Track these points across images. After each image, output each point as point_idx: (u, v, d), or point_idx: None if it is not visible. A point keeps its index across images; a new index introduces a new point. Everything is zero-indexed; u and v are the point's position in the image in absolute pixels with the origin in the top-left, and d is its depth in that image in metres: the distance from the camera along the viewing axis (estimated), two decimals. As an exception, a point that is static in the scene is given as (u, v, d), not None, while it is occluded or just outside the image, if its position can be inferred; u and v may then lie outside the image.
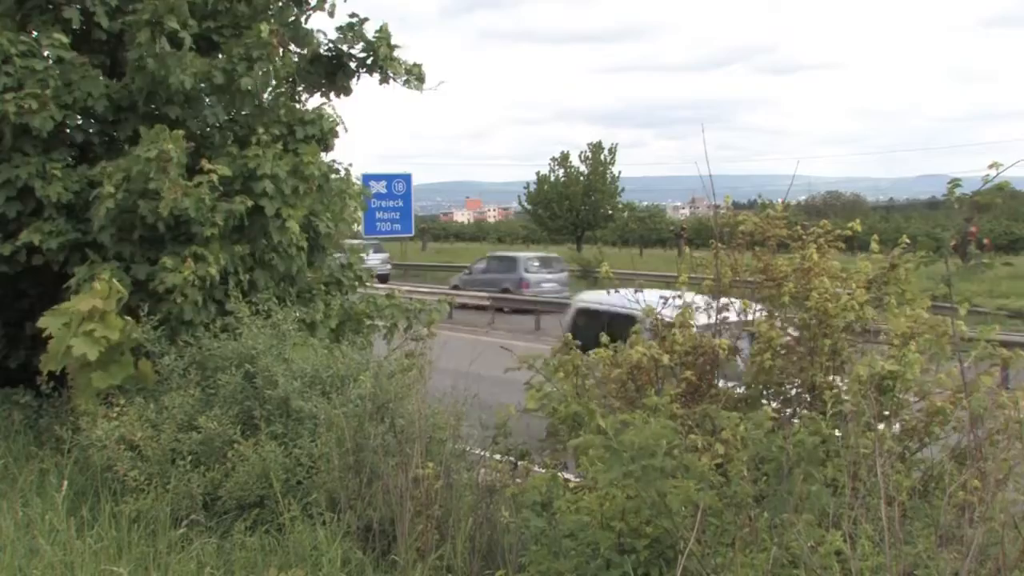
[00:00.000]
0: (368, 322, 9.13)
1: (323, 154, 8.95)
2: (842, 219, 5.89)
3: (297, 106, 9.24)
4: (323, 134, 8.92)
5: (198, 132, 8.71)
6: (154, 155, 7.45)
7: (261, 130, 8.30)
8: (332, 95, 9.72)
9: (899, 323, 5.11)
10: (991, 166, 3.96)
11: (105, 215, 7.68)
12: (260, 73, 8.24)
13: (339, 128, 9.16)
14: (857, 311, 5.11)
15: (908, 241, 5.50)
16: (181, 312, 7.57)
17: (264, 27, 8.23)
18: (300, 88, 9.63)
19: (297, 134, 8.67)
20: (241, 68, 8.20)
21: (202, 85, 8.29)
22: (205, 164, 7.77)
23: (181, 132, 7.79)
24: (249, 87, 8.17)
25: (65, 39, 8.23)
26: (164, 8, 7.83)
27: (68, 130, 8.42)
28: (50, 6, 8.55)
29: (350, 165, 9.54)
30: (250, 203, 7.92)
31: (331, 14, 9.36)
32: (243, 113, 8.89)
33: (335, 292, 9.18)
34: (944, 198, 4.21)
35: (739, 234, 5.84)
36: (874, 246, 5.62)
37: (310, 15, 9.44)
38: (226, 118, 8.97)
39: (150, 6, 7.86)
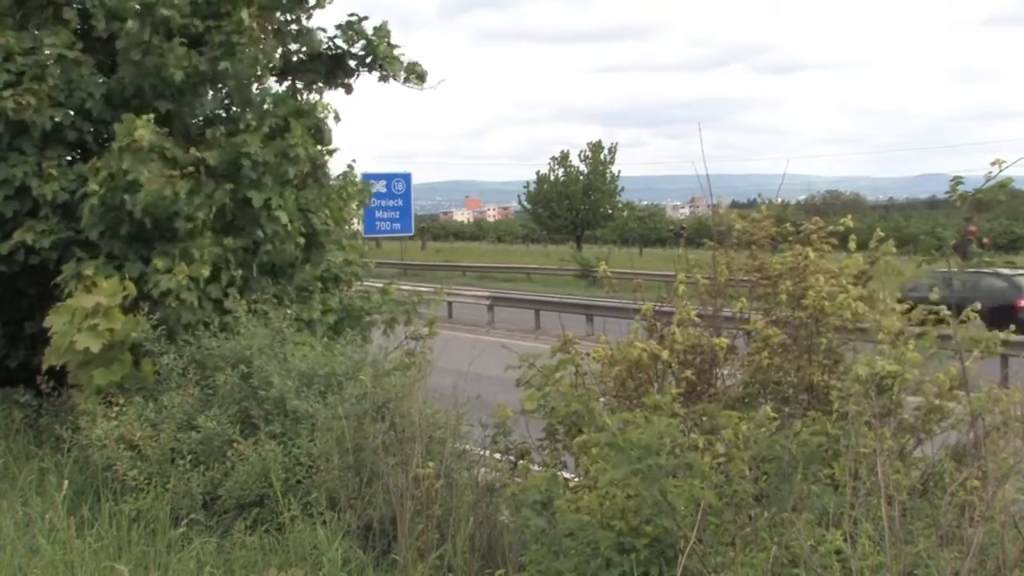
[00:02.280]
0: (367, 318, 9.12)
1: (318, 147, 8.94)
2: (840, 218, 5.91)
3: (299, 99, 9.22)
4: (317, 126, 8.89)
5: (192, 124, 8.66)
6: (126, 144, 7.42)
7: (249, 116, 8.25)
8: (332, 91, 9.75)
9: (891, 321, 5.11)
10: (993, 163, 3.96)
11: (91, 212, 7.67)
12: (241, 56, 8.18)
13: (332, 119, 9.14)
14: (852, 308, 5.12)
15: (882, 235, 5.57)
16: (179, 316, 7.55)
17: (245, 13, 8.17)
18: (300, 85, 9.62)
19: (290, 126, 8.63)
20: (221, 54, 8.16)
21: (190, 79, 8.24)
22: (194, 151, 7.73)
23: (151, 116, 7.71)
24: (228, 69, 8.12)
25: (70, 37, 8.23)
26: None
27: (62, 130, 8.40)
28: (50, 5, 8.54)
29: (353, 161, 9.55)
30: (229, 187, 7.86)
31: (322, 5, 9.35)
32: (233, 109, 8.85)
33: (333, 289, 9.16)
34: (945, 196, 4.21)
35: (734, 234, 5.86)
36: (851, 245, 5.66)
37: (311, 14, 9.44)
38: (218, 111, 8.93)
39: None
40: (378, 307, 9.22)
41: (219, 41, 8.14)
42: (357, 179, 9.56)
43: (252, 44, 8.18)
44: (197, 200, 7.72)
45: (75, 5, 8.53)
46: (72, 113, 8.38)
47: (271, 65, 8.80)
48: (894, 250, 5.45)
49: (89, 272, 7.54)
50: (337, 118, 9.17)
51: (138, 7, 7.84)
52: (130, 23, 7.81)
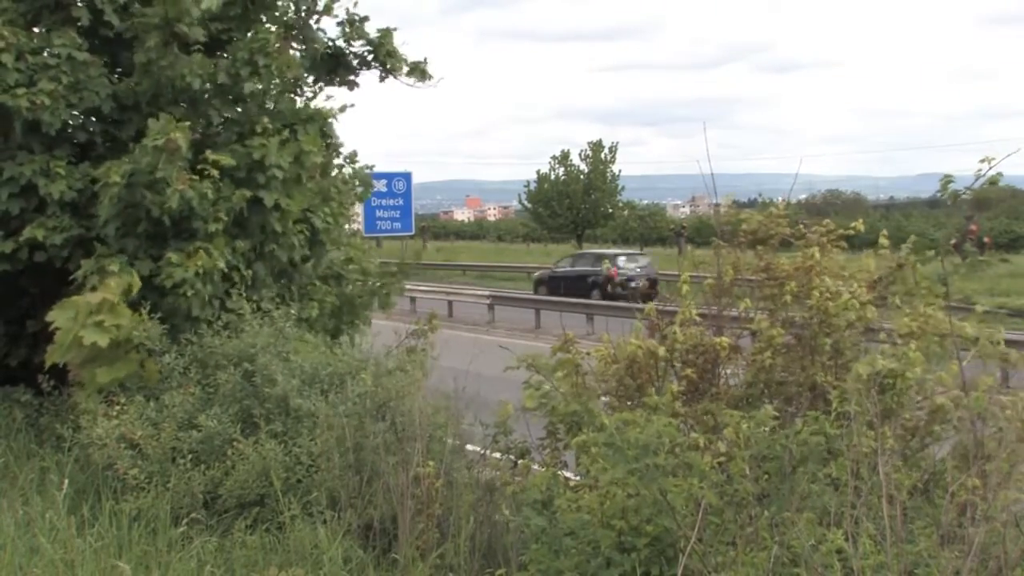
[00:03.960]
0: (361, 299, 9.15)
1: (327, 148, 8.99)
2: (842, 218, 5.86)
3: (298, 100, 9.24)
4: (322, 132, 8.94)
5: (201, 131, 8.71)
6: (162, 143, 7.46)
7: (266, 119, 8.30)
8: (336, 87, 9.81)
9: (902, 322, 5.08)
10: (982, 160, 3.97)
11: (110, 205, 7.68)
12: (264, 75, 8.28)
13: (338, 116, 9.20)
14: (858, 310, 5.08)
15: (916, 239, 5.45)
16: (189, 308, 7.57)
17: (272, 33, 8.29)
18: (306, 79, 9.66)
19: (298, 134, 8.70)
20: (245, 72, 8.22)
21: (207, 85, 8.30)
22: (209, 154, 7.78)
23: (187, 123, 7.81)
24: (254, 91, 8.22)
25: (78, 38, 8.25)
26: (175, 12, 7.85)
27: (70, 129, 8.42)
28: (59, 5, 8.54)
29: (354, 152, 9.61)
30: (249, 195, 7.94)
31: (328, 11, 9.42)
32: (242, 112, 8.89)
33: (333, 286, 9.17)
34: (944, 197, 4.22)
35: (741, 232, 5.81)
36: (883, 241, 5.52)
37: (319, 18, 9.49)
38: (228, 116, 8.98)
39: (160, 10, 7.88)
40: (372, 287, 9.27)
41: (243, 58, 8.20)
42: (358, 168, 9.60)
43: (276, 62, 8.26)
44: (217, 203, 7.78)
45: (81, 2, 8.53)
46: (81, 114, 8.41)
47: (291, 79, 8.85)
48: (927, 254, 5.25)
49: (114, 268, 7.55)
50: (342, 108, 9.21)
51: (157, 21, 7.88)
52: (151, 40, 7.86)
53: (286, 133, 8.41)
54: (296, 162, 8.21)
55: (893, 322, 5.08)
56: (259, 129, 8.22)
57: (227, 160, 7.84)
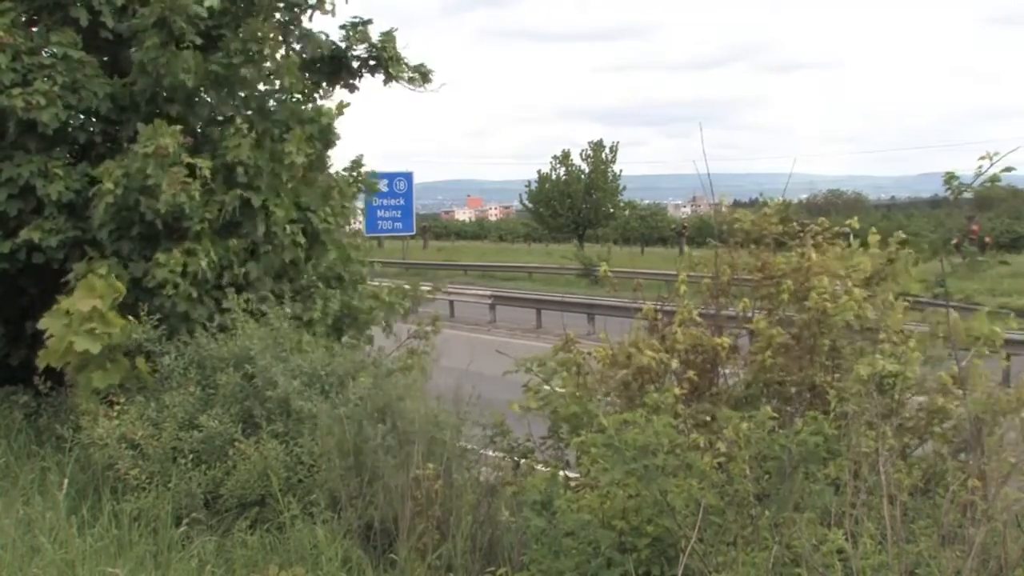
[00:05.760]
0: (366, 316, 9.12)
1: (323, 147, 8.96)
2: (843, 217, 5.83)
3: (298, 100, 9.23)
4: (322, 131, 8.90)
5: (198, 129, 8.71)
6: (151, 150, 7.49)
7: (239, 120, 8.29)
8: (337, 90, 9.79)
9: (896, 319, 5.07)
10: (982, 158, 3.96)
11: (104, 211, 7.71)
12: (262, 65, 8.28)
13: (340, 121, 9.17)
14: (856, 311, 5.06)
15: (904, 236, 5.46)
16: (175, 306, 7.60)
17: (264, 25, 8.27)
18: (307, 79, 9.65)
19: (289, 134, 8.67)
20: (239, 60, 8.22)
21: (204, 82, 8.31)
22: (186, 158, 7.79)
23: (179, 127, 7.81)
24: (248, 76, 8.19)
25: (75, 36, 8.26)
26: (171, 11, 7.86)
27: (71, 129, 8.42)
28: (57, 5, 8.55)
29: (360, 156, 9.58)
30: (239, 192, 7.95)
31: (332, 13, 9.39)
32: (246, 112, 8.89)
33: (336, 287, 9.16)
34: (948, 195, 4.21)
35: (737, 232, 5.80)
36: (872, 239, 5.52)
37: (312, 14, 9.45)
38: (228, 113, 8.97)
39: (157, 8, 7.89)
40: (384, 302, 9.23)
41: (236, 48, 8.21)
42: (363, 172, 9.58)
43: (271, 50, 8.28)
44: (208, 203, 7.81)
45: (79, 3, 8.54)
46: (79, 114, 8.42)
47: (281, 68, 8.84)
48: (912, 251, 5.26)
49: (102, 271, 7.59)
50: (340, 110, 9.14)
51: (154, 20, 7.90)
52: (149, 40, 7.87)
53: (255, 134, 8.36)
54: (274, 160, 8.20)
55: (889, 320, 5.07)
56: (232, 129, 8.22)
57: (204, 162, 7.85)
